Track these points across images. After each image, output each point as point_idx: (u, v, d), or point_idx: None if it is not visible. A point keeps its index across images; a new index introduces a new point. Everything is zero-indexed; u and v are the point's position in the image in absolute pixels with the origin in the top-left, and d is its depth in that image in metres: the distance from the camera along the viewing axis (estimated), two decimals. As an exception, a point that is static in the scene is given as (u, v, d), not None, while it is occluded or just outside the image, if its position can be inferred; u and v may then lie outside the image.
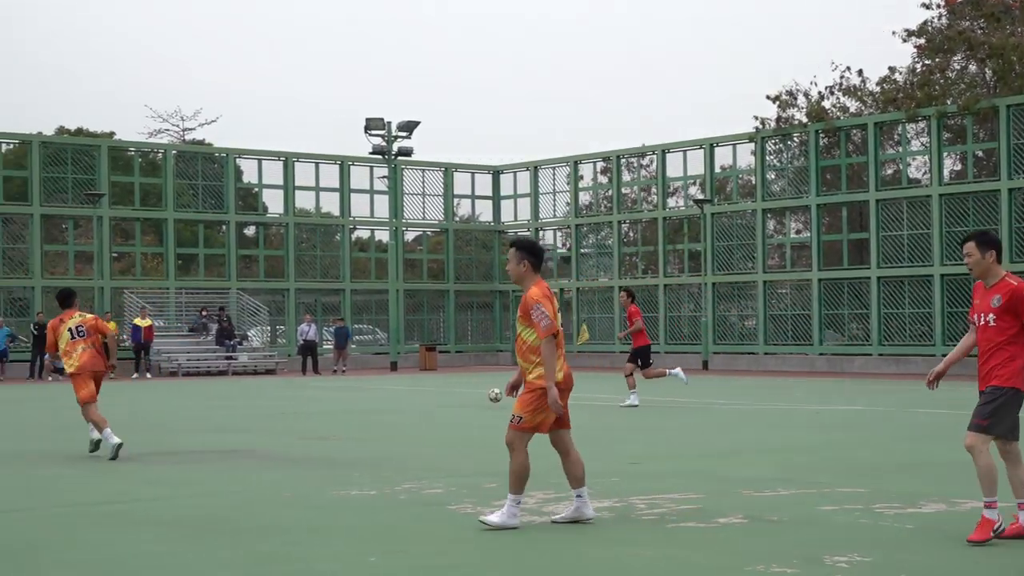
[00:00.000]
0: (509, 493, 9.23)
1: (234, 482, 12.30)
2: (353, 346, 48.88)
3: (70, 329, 15.44)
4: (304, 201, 52.13)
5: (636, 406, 23.38)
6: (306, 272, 50.87)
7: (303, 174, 50.81)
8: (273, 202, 52.12)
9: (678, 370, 24.67)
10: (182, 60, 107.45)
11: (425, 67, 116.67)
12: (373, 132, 46.07)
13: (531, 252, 9.44)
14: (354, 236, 53.56)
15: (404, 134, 46.40)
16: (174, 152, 49.98)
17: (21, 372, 41.44)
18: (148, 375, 42.23)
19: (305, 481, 12.23)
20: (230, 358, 44.65)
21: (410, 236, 55.44)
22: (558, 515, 9.52)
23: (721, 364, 44.46)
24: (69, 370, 15.36)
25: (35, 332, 41.67)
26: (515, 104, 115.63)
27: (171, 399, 28.65)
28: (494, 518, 9.20)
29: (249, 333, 48.11)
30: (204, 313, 46.87)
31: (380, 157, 47.11)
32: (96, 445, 15.07)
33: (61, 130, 72.05)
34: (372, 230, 53.62)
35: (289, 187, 50.35)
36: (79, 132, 71.02)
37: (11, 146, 49.47)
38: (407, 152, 46.74)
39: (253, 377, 42.62)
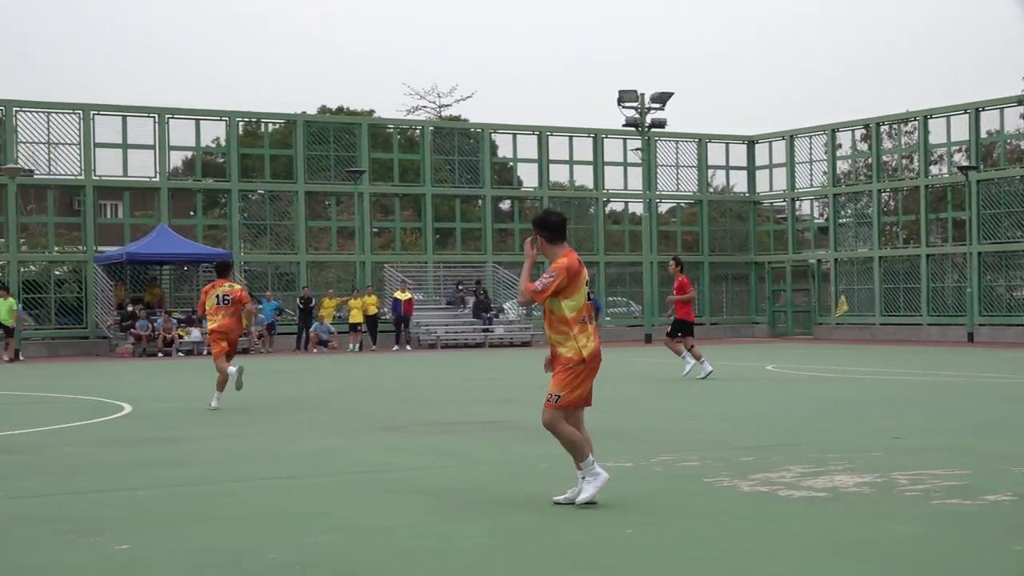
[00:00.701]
0: (577, 465, 9.03)
1: (495, 453, 12.46)
2: (607, 318, 49.02)
3: (217, 296, 18.29)
4: (558, 174, 52.43)
5: (711, 371, 23.22)
6: (559, 244, 51.20)
7: (557, 148, 51.09)
8: (528, 176, 52.58)
9: (707, 364, 23.45)
10: (439, 38, 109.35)
11: (678, 38, 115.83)
12: (626, 104, 45.98)
13: (542, 226, 9.16)
14: (608, 209, 53.60)
15: (657, 105, 46.17)
16: (431, 129, 50.90)
17: (288, 344, 42.92)
18: (408, 347, 43.19)
19: (559, 453, 12.29)
20: (487, 330, 45.31)
21: (664, 208, 55.14)
22: (562, 495, 9.09)
23: (987, 336, 42.88)
24: (210, 326, 18.47)
25: (300, 306, 43.12)
26: (768, 72, 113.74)
27: (431, 371, 29.25)
28: (585, 494, 8.90)
29: (505, 306, 48.69)
30: (461, 286, 47.67)
31: (633, 129, 46.99)
32: (238, 383, 18.23)
33: (323, 109, 74.22)
34: (626, 202, 53.57)
35: (543, 161, 50.70)
36: (340, 111, 73.02)
37: (277, 126, 51.23)
38: (660, 124, 46.50)
39: (509, 349, 43.16)
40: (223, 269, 18.89)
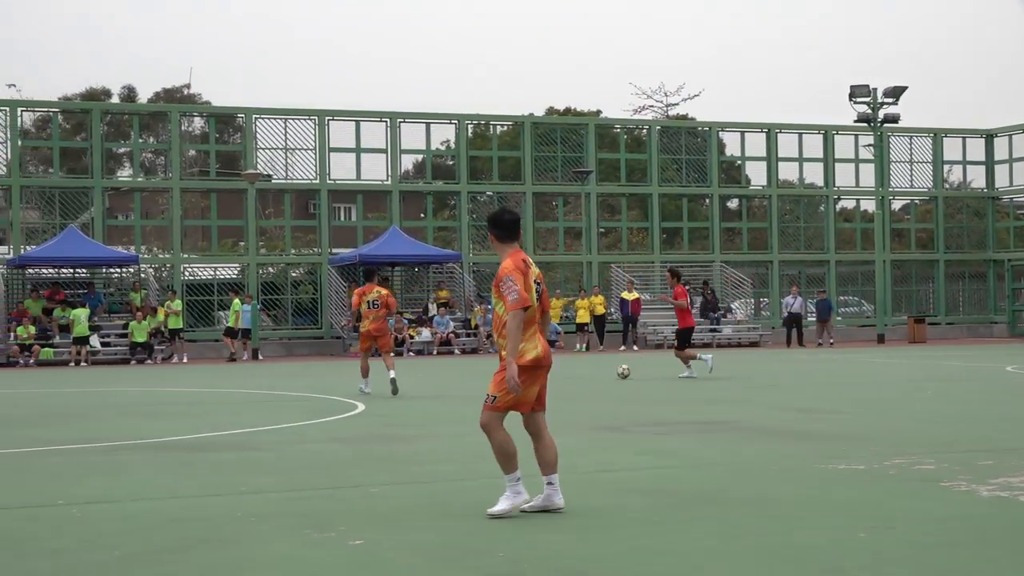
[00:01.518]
0: (504, 475, 8.64)
1: (722, 453, 12.33)
2: (838, 318, 48.09)
3: (368, 300, 20.77)
4: (787, 172, 51.70)
5: (691, 375, 24.86)
6: (789, 244, 50.45)
7: (786, 145, 50.37)
8: (756, 174, 51.96)
9: (709, 357, 24.74)
10: (665, 37, 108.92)
11: (913, 30, 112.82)
12: (858, 99, 45.03)
13: (494, 224, 8.88)
14: (838, 206, 52.63)
15: (891, 100, 45.08)
16: (658, 128, 50.76)
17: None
18: (635, 347, 43.13)
19: (789, 453, 12.10)
20: (714, 330, 44.92)
21: (897, 205, 53.84)
22: (528, 503, 8.67)
23: None
24: (361, 330, 21.09)
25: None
26: (1008, 63, 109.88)
27: (657, 370, 29.13)
28: (498, 507, 8.57)
29: (733, 305, 48.22)
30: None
31: (865, 125, 45.98)
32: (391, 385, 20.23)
33: (550, 110, 74.72)
34: (857, 200, 52.48)
35: (772, 158, 50.05)
36: (567, 112, 73.41)
37: (505, 128, 51.80)
38: (894, 119, 45.40)
39: (737, 349, 42.71)
40: (370, 275, 21.64)
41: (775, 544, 7.62)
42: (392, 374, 20.40)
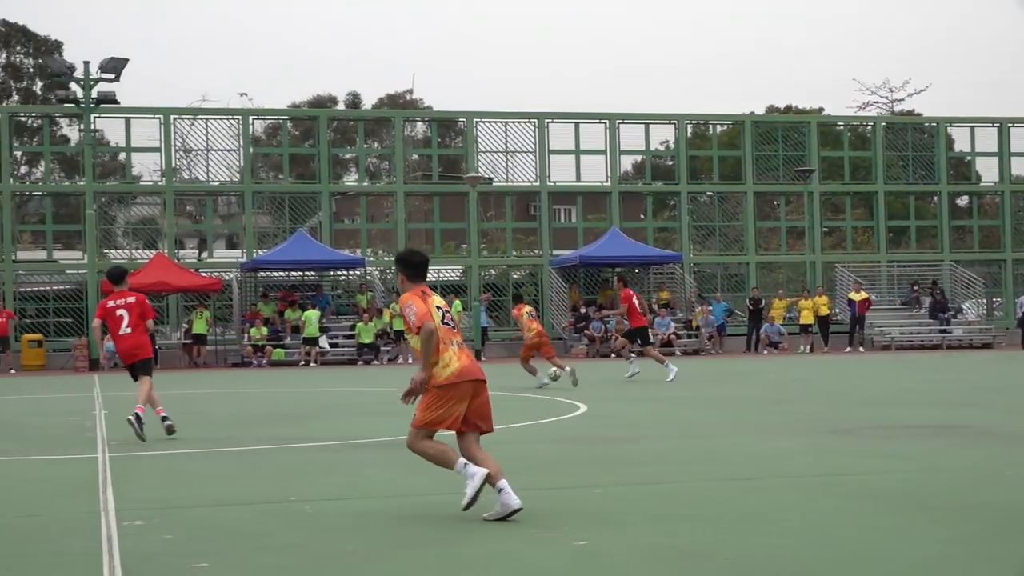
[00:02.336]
0: (454, 471, 8.68)
1: (953, 458, 11.98)
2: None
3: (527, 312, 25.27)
4: (1021, 167, 49.95)
5: (636, 373, 26.06)
6: (1023, 242, 48.75)
7: (1020, 139, 48.63)
8: (987, 170, 50.34)
9: (673, 371, 24.80)
10: (890, 32, 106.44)
11: None
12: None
13: (404, 264, 9.16)
14: (1076, 203, 50.64)
15: None
16: (883, 124, 49.61)
17: (738, 345, 42.91)
18: (860, 348, 42.27)
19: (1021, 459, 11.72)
20: (944, 331, 43.70)
21: None
22: (488, 514, 8.50)
23: None
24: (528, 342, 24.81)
25: (750, 307, 43.01)
26: None
27: (883, 373, 28.51)
28: (467, 497, 8.57)
29: (963, 306, 46.82)
30: (916, 286, 46.19)
31: (1104, 117, 44.10)
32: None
33: (771, 109, 73.82)
34: (1097, 195, 50.38)
35: (1004, 154, 48.44)
36: (788, 110, 72.41)
37: (725, 127, 51.36)
38: None
39: (968, 351, 41.47)
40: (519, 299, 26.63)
41: (1002, 554, 7.37)
42: (568, 368, 23.76)
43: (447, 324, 8.91)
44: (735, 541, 7.79)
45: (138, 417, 14.03)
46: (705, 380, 26.56)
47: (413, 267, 9.14)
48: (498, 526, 8.39)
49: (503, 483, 8.59)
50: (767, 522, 8.47)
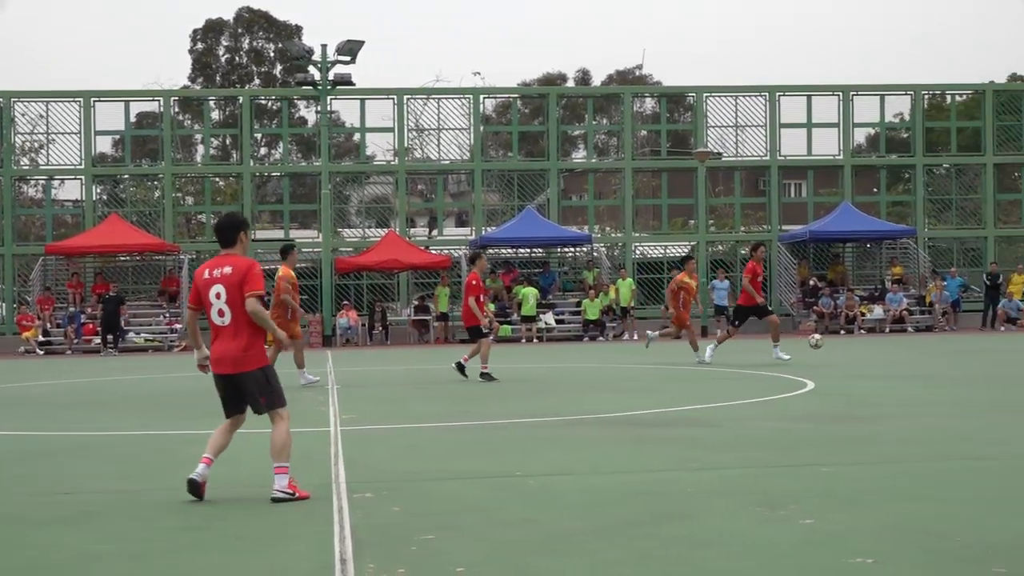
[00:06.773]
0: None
1: None
2: None
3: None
4: None
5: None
6: None
7: None
8: None
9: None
10: None
11: None
12: None
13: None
14: None
15: None
16: None
17: (974, 322, 41.64)
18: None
19: None
20: None
21: None
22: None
23: None
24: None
25: (987, 282, 41.62)
26: None
27: None
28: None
29: None
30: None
31: None
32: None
33: (1014, 77, 71.20)
34: None
35: None
36: (1031, 78, 69.70)
37: (963, 97, 49.80)
38: None
39: None
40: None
41: None
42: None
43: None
44: (971, 523, 7.59)
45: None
46: (938, 357, 25.86)
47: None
48: (725, 503, 8.33)
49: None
50: (1004, 504, 8.22)
